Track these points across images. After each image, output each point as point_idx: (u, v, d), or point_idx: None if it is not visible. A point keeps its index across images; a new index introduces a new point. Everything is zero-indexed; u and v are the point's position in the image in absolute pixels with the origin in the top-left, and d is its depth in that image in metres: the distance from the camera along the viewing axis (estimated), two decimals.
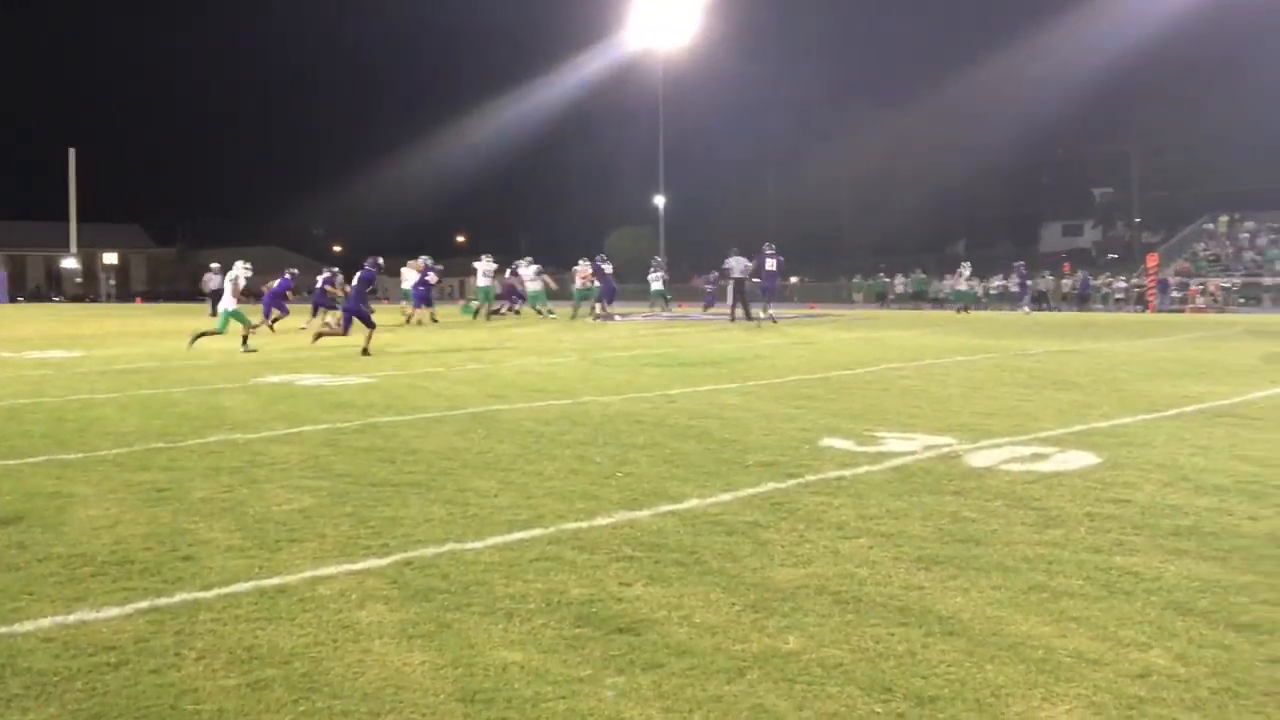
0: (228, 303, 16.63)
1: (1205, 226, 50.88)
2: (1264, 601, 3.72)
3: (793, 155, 73.71)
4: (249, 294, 20.34)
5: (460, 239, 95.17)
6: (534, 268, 29.76)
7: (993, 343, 18.07)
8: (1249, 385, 10.42)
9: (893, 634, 3.44)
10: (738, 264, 26.88)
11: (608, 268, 31.31)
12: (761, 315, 26.63)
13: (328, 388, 10.93)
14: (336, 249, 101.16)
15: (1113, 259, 57.52)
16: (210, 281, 37.14)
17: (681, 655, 3.27)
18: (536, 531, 4.76)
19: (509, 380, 11.65)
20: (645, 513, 5.11)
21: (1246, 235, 48.38)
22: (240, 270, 17.51)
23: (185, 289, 63.87)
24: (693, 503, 5.32)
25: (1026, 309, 34.51)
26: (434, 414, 8.75)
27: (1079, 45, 55.85)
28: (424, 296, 26.61)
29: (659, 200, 60.75)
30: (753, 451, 6.78)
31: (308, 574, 4.12)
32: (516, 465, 6.39)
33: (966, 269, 38.37)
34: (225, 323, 16.61)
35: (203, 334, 16.84)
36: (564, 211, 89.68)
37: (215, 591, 3.91)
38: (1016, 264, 39.53)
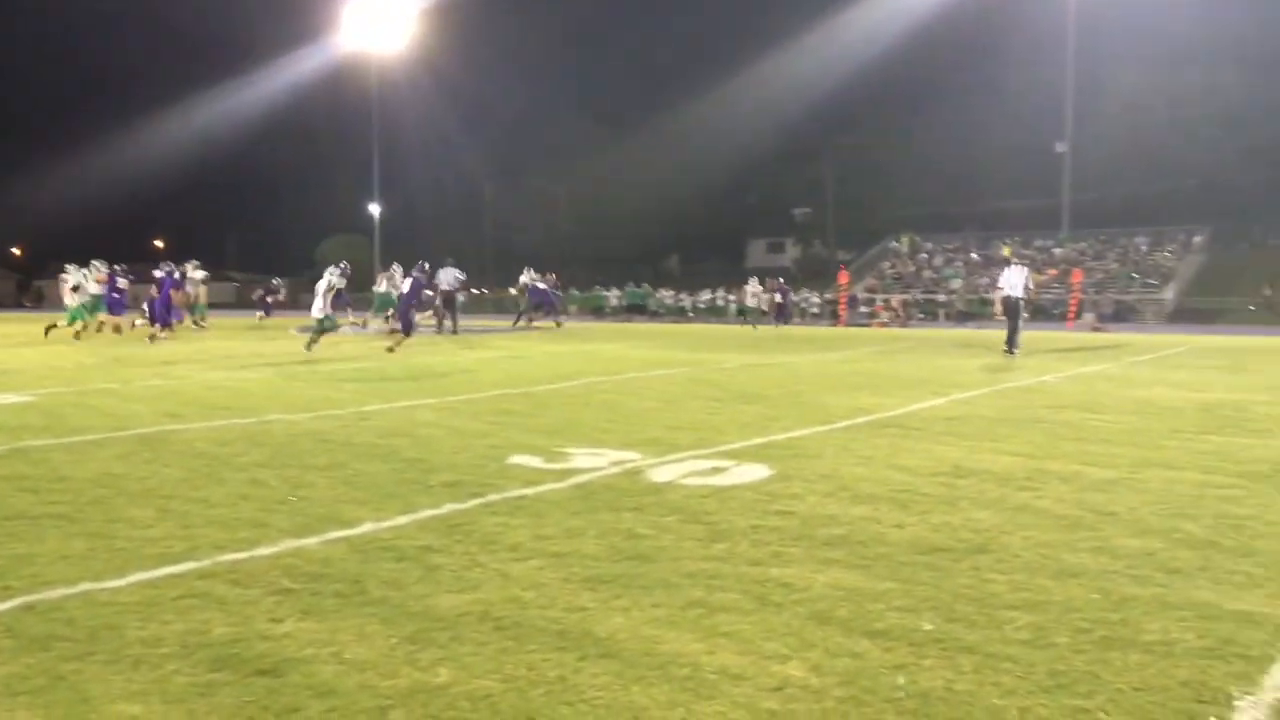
0: (318, 310, 18.03)
1: (891, 246, 55.14)
2: (897, 608, 3.94)
3: (512, 167, 74.11)
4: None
5: (159, 243, 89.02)
6: (201, 273, 29.96)
7: (692, 355, 18.70)
8: (915, 397, 11.25)
9: (548, 659, 3.40)
10: (447, 275, 26.75)
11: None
12: (557, 325, 31.56)
13: None
14: (14, 251, 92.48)
15: (811, 275, 61.10)
16: None
17: (323, 696, 3.09)
18: (188, 565, 4.43)
19: (192, 397, 10.93)
20: (314, 540, 4.87)
21: (925, 255, 52.85)
22: (334, 280, 18.23)
23: None
24: (366, 527, 5.12)
25: (777, 323, 35.49)
26: (96, 436, 8.05)
27: (785, 74, 59.38)
28: (118, 304, 25.10)
29: (374, 208, 59.41)
30: (438, 471, 6.64)
31: None
32: (180, 492, 5.95)
33: (753, 283, 38.50)
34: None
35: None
36: (275, 216, 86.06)
37: None
38: (778, 279, 40.10)
